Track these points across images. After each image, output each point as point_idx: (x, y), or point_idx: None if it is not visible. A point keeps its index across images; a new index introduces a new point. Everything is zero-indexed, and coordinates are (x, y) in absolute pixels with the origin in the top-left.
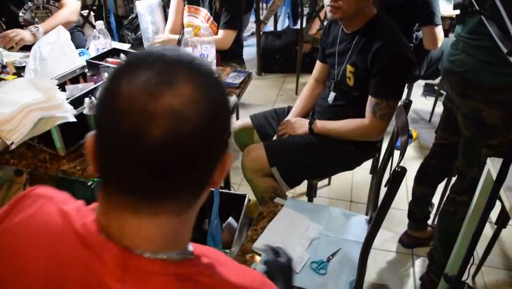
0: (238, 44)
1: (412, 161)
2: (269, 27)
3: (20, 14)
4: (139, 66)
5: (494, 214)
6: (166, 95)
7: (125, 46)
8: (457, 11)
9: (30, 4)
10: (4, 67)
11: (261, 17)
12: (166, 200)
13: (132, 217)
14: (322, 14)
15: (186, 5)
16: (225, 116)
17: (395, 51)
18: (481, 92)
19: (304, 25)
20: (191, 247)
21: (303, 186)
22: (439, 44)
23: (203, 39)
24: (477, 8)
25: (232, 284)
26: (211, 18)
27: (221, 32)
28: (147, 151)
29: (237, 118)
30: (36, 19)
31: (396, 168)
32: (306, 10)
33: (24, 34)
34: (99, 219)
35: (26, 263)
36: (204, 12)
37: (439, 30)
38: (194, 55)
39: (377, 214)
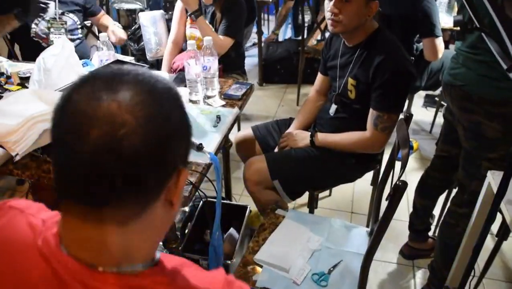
0: (239, 55)
1: (413, 172)
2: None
3: (33, 26)
4: (90, 79)
5: (495, 226)
6: (105, 100)
7: (128, 58)
8: (457, 28)
9: (44, 15)
10: (8, 77)
11: (263, 28)
12: (109, 208)
13: (82, 226)
14: (322, 25)
15: (189, 17)
16: (172, 126)
17: (397, 65)
18: (482, 105)
19: (305, 36)
20: (157, 256)
21: (304, 197)
22: (440, 55)
23: (205, 51)
24: (477, 25)
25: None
26: (213, 29)
27: (224, 38)
28: (85, 154)
29: (239, 129)
30: (52, 29)
31: (397, 182)
32: (307, 18)
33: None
34: (59, 231)
35: None
36: None
37: (440, 42)
38: (142, 70)
39: (378, 227)
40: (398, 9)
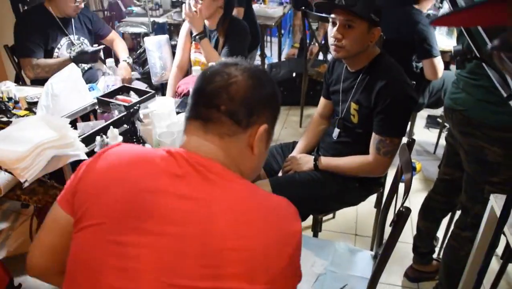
0: None
1: (416, 194)
2: (272, 59)
3: (55, 51)
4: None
5: (500, 248)
6: (230, 66)
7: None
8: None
9: (64, 39)
10: (16, 102)
11: (266, 50)
12: (212, 124)
13: (198, 136)
14: (319, 38)
15: (193, 42)
16: (264, 92)
17: (398, 90)
18: (482, 130)
19: (308, 57)
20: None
21: (308, 220)
22: (440, 74)
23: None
24: (477, 54)
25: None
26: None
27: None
28: (210, 88)
29: None
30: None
31: (401, 209)
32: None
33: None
34: (183, 145)
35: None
36: None
37: (438, 61)
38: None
39: (382, 253)
40: (397, 33)
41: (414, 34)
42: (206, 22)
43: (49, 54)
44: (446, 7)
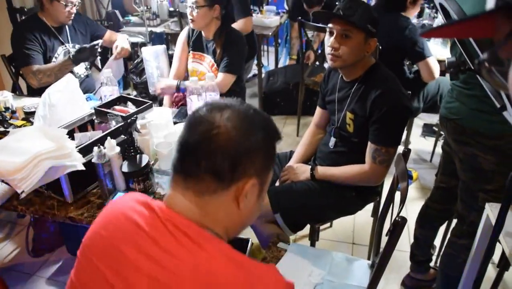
0: (240, 89)
1: (413, 202)
2: (269, 68)
3: (53, 61)
4: (212, 103)
5: (496, 256)
6: (214, 112)
7: (133, 94)
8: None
9: (61, 48)
10: (13, 112)
11: (263, 60)
12: (192, 179)
13: (176, 191)
14: (315, 45)
15: (191, 52)
16: (252, 142)
17: (393, 99)
18: (476, 138)
19: (305, 61)
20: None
21: (305, 229)
22: (437, 74)
23: (207, 87)
24: (471, 66)
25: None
26: (215, 65)
27: (220, 75)
28: (189, 139)
29: None
30: None
31: (397, 218)
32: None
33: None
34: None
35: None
36: (208, 59)
37: (432, 61)
38: (245, 103)
39: (379, 262)
40: (387, 37)
41: (404, 39)
42: (203, 32)
43: (47, 63)
44: (440, 18)
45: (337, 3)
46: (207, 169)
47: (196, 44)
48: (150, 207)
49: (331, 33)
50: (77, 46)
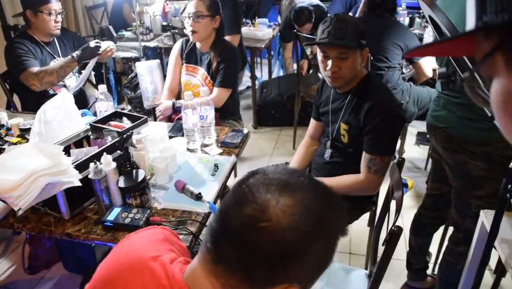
0: (234, 102)
1: (409, 210)
2: (262, 79)
3: None
4: (267, 172)
5: (493, 262)
6: (271, 192)
7: (127, 109)
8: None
9: (53, 62)
10: (8, 129)
11: (256, 72)
12: (223, 268)
13: (200, 268)
14: (310, 55)
15: (184, 64)
16: (306, 248)
17: (386, 109)
18: (464, 146)
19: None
20: None
21: None
22: (430, 73)
23: (202, 101)
24: (462, 76)
25: None
26: (209, 78)
27: (215, 90)
28: (230, 220)
29: (235, 174)
30: None
31: (393, 228)
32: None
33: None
34: (186, 271)
35: None
36: (201, 71)
37: (424, 62)
38: (318, 186)
39: (376, 271)
40: (379, 41)
41: (396, 41)
42: (198, 44)
43: None
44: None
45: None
46: (241, 264)
47: (190, 56)
48: (166, 271)
49: (326, 57)
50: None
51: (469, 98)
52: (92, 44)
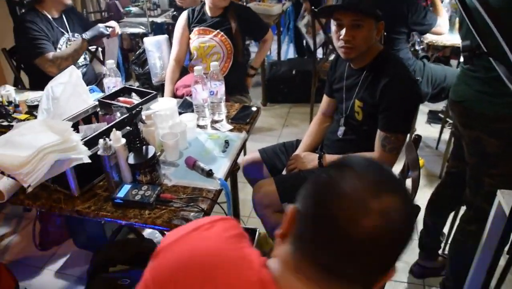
0: (244, 76)
1: (420, 189)
2: (272, 57)
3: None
4: (355, 170)
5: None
6: (383, 198)
7: (135, 85)
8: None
9: (63, 38)
10: (16, 106)
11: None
12: (337, 281)
13: (300, 282)
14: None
15: (195, 29)
16: (409, 235)
17: (403, 86)
18: (481, 121)
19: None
20: None
21: None
22: (445, 31)
23: (212, 75)
24: (485, 50)
25: None
26: (225, 36)
27: (267, 36)
28: (354, 236)
29: (245, 152)
30: None
31: None
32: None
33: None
34: (278, 277)
35: None
36: (215, 32)
37: (439, 26)
38: (401, 185)
39: None
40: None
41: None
42: (208, 10)
43: None
44: None
45: None
46: (364, 274)
47: (200, 22)
48: (258, 272)
49: (339, 26)
50: (76, 35)
51: (487, 72)
52: (102, 26)
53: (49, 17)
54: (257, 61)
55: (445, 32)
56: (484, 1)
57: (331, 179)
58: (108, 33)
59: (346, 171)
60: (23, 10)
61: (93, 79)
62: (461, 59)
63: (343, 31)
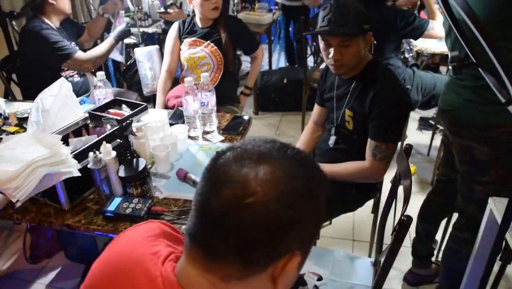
0: (235, 86)
1: (412, 196)
2: (264, 66)
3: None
4: (239, 148)
5: None
6: (246, 167)
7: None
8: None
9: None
10: (6, 118)
11: None
12: (217, 261)
13: (193, 267)
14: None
15: (186, 40)
16: (299, 212)
17: (393, 95)
18: (470, 130)
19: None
20: None
21: None
22: (441, 34)
23: (203, 86)
24: (474, 60)
25: None
26: (215, 47)
27: (257, 53)
28: (213, 207)
29: None
30: None
31: (402, 218)
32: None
33: None
34: (177, 267)
35: None
36: (206, 42)
37: (432, 28)
38: (291, 150)
39: (385, 261)
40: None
41: (391, 15)
42: (198, 21)
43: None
44: None
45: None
46: (237, 250)
47: (191, 34)
48: (161, 272)
49: (328, 45)
50: (73, 43)
51: (475, 80)
52: (127, 27)
53: (52, 26)
54: (250, 80)
55: (440, 35)
56: (471, 14)
57: (209, 164)
58: (129, 30)
59: (223, 153)
60: (26, 20)
61: (89, 89)
62: (450, 68)
63: (332, 50)
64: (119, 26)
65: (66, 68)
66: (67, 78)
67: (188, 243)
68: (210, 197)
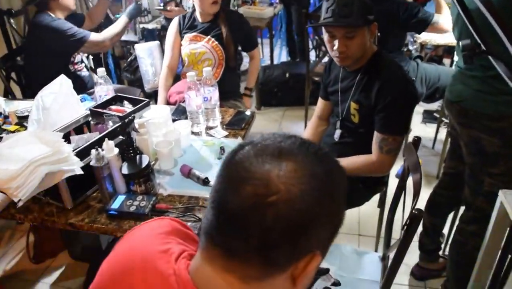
0: (237, 81)
1: None
2: (264, 60)
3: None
4: (258, 143)
5: None
6: (268, 163)
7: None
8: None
9: None
10: (6, 117)
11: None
12: (236, 261)
13: (211, 268)
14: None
15: (186, 35)
16: (322, 211)
17: (399, 87)
18: (479, 121)
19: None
20: None
21: None
22: (448, 28)
23: (205, 81)
24: (485, 49)
25: None
26: (216, 42)
27: (254, 52)
28: (233, 204)
29: None
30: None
31: (414, 211)
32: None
33: None
34: (191, 266)
35: None
36: (206, 38)
37: (437, 22)
38: (314, 147)
39: (395, 257)
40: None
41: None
42: (199, 16)
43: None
44: None
45: None
46: (258, 250)
47: (191, 29)
48: (174, 270)
49: (332, 36)
50: None
51: (484, 70)
52: (137, 4)
53: (60, 18)
54: (250, 81)
55: (447, 29)
56: (487, 1)
57: (227, 160)
58: (141, 4)
59: (242, 148)
60: (35, 14)
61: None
62: (455, 58)
63: (336, 42)
64: (130, 6)
65: (75, 62)
66: (75, 72)
67: (204, 241)
68: (228, 194)
